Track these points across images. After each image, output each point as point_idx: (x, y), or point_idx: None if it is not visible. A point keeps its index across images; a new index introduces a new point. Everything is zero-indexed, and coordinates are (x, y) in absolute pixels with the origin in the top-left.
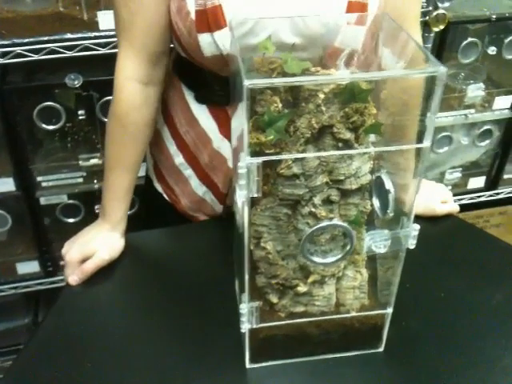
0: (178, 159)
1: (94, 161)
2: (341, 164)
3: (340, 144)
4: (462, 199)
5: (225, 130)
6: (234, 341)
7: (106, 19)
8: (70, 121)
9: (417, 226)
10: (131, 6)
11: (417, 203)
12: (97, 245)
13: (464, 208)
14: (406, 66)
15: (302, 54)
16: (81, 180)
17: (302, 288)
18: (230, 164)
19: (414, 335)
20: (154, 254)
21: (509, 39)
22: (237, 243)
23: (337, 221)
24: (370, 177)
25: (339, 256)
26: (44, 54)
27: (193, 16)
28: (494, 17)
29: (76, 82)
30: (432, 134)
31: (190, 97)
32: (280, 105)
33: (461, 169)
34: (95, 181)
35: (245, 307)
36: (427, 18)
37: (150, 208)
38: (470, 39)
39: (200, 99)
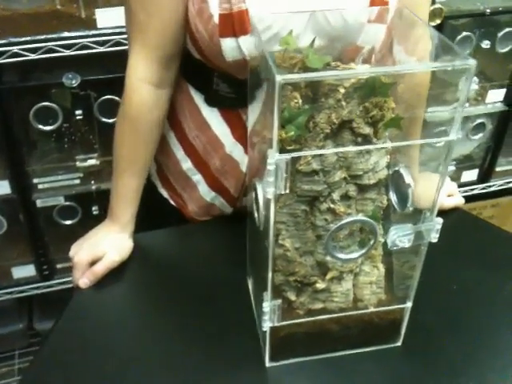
0: (186, 164)
1: (91, 161)
2: (359, 159)
3: (359, 139)
4: None
5: (238, 133)
6: (249, 340)
7: (104, 17)
8: (67, 121)
9: (440, 220)
10: (148, 7)
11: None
12: (106, 246)
13: None
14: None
15: (320, 51)
16: (78, 181)
17: (320, 285)
18: (243, 168)
19: (429, 328)
20: (163, 254)
21: (502, 33)
22: (254, 242)
23: (360, 216)
24: (386, 171)
25: (363, 251)
26: (41, 53)
27: (216, 20)
28: (489, 11)
29: (73, 82)
30: (459, 126)
31: (199, 100)
32: (300, 100)
33: (455, 162)
34: (92, 182)
35: (267, 306)
36: None
37: (155, 213)
38: (464, 33)
39: (211, 102)
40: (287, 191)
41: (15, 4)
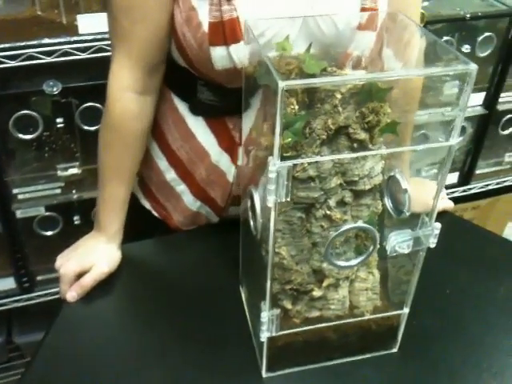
0: (170, 175)
1: (72, 170)
2: (355, 165)
3: (355, 144)
4: None
5: (225, 143)
6: (244, 350)
7: (85, 23)
8: (48, 129)
9: (438, 225)
10: (133, 14)
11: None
12: (95, 258)
13: None
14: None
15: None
16: (59, 191)
17: (317, 292)
18: (230, 178)
19: (425, 333)
20: (152, 264)
21: (481, 38)
22: (249, 250)
23: (360, 223)
24: (381, 177)
25: (362, 258)
26: (21, 61)
27: (205, 28)
28: (469, 16)
29: (54, 89)
30: (459, 130)
31: (184, 110)
32: (296, 106)
33: (436, 165)
34: (74, 191)
35: (265, 316)
36: None
37: (138, 225)
38: (444, 38)
39: (195, 111)
40: (288, 199)
41: None
